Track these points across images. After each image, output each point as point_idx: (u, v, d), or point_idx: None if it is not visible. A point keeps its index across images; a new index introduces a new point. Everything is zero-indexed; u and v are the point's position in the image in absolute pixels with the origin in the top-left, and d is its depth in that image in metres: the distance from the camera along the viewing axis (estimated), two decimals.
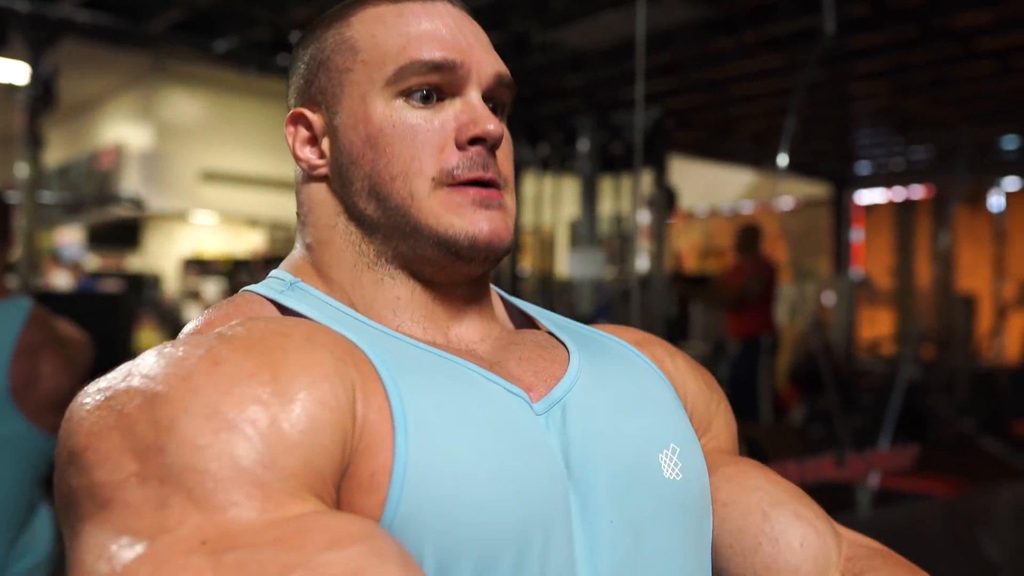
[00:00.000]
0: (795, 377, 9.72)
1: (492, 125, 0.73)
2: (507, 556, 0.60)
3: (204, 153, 9.80)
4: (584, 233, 4.95)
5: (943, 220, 9.67)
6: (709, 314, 8.91)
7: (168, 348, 0.61)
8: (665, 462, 0.72)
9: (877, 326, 10.84)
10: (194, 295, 13.82)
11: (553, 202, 5.70)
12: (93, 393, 0.60)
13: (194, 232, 13.61)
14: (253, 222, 13.45)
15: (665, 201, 5.14)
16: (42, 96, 3.39)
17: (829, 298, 9.89)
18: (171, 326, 12.54)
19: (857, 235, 10.70)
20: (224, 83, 9.20)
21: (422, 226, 0.72)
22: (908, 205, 10.67)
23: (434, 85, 0.74)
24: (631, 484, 0.70)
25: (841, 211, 9.97)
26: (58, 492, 0.57)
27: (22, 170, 3.56)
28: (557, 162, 5.38)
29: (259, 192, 10.36)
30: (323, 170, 0.77)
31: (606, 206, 5.61)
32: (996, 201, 9.92)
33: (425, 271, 0.75)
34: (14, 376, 1.86)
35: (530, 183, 5.73)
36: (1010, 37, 4.77)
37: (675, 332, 6.99)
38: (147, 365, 0.59)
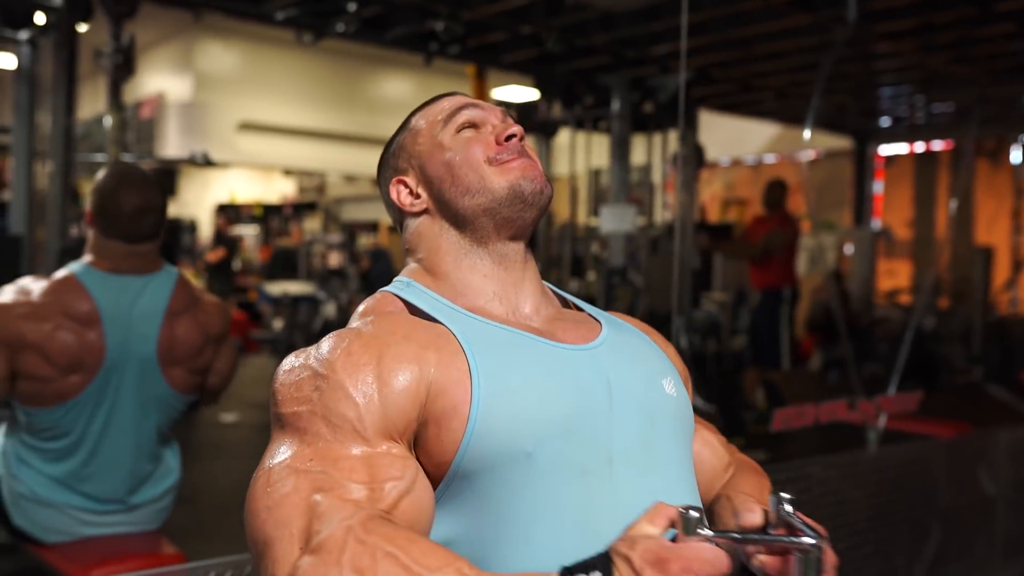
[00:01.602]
0: (812, 326, 9.98)
1: (517, 127, 1.15)
2: (555, 432, 0.98)
3: (241, 104, 10.04)
4: (615, 190, 5.20)
5: (959, 182, 9.82)
6: (731, 265, 9.15)
7: (336, 335, 1.03)
8: (666, 384, 1.12)
9: (896, 277, 11.05)
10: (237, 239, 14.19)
11: (584, 157, 5.94)
12: (292, 361, 1.03)
13: (227, 179, 13.92)
14: (287, 171, 13.72)
15: (693, 158, 5.37)
16: (122, 64, 3.67)
17: (849, 249, 10.10)
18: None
19: (877, 187, 10.86)
20: (261, 35, 9.41)
21: (495, 188, 1.11)
22: (928, 157, 10.82)
23: (471, 121, 1.15)
24: (649, 392, 1.08)
25: (863, 164, 10.12)
26: (270, 411, 1.02)
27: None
28: (590, 121, 5.62)
29: (293, 142, 10.61)
30: (424, 205, 1.17)
31: (634, 157, 5.83)
32: (1016, 156, 10.06)
33: (502, 233, 1.13)
34: (161, 343, 2.17)
35: (564, 138, 5.98)
36: None
37: (699, 282, 7.26)
38: (321, 348, 1.02)
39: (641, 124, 5.46)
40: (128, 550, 2.15)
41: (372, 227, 14.51)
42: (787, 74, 6.93)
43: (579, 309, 1.23)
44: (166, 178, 12.46)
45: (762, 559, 0.96)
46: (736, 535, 0.94)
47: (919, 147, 10.78)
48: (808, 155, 10.24)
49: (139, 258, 2.19)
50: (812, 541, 0.92)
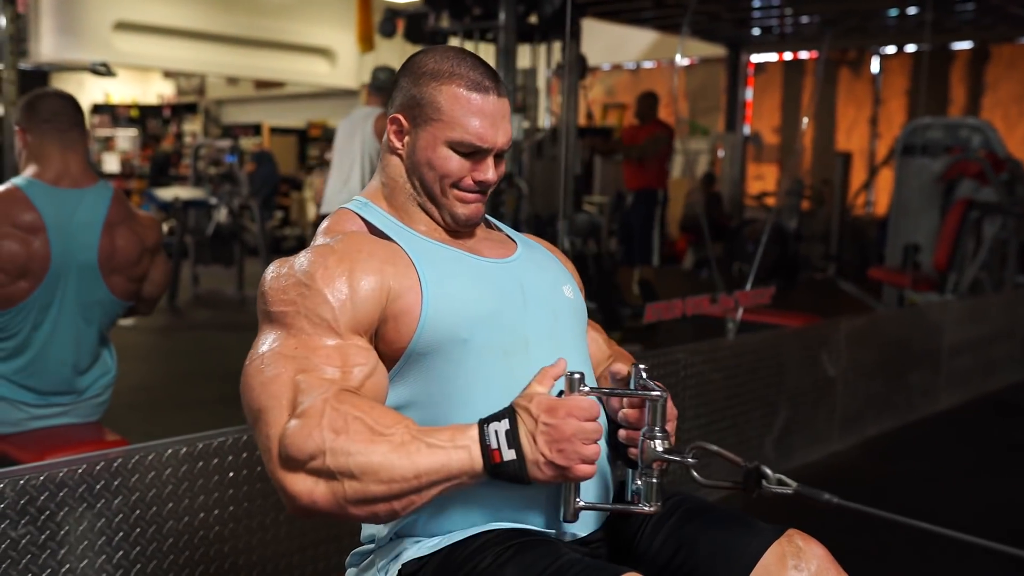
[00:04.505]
0: (686, 227, 10.53)
1: (493, 177, 1.40)
2: (483, 322, 1.31)
3: (117, 2, 9.75)
4: None
5: (816, 92, 10.33)
6: (610, 169, 9.53)
7: (314, 251, 1.31)
8: (566, 290, 1.46)
9: (764, 181, 11.67)
10: (107, 141, 13.80)
11: None
12: (278, 269, 1.30)
13: (102, 79, 13.46)
14: (166, 72, 13.35)
15: (577, 68, 5.65)
16: None
17: (722, 154, 10.58)
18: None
19: (748, 94, 11.35)
20: None
21: (444, 205, 1.41)
22: (795, 65, 11.34)
23: (471, 149, 1.37)
24: (552, 294, 1.43)
25: (736, 71, 10.53)
26: (258, 308, 1.31)
27: None
28: (478, 31, 5.82)
29: (172, 42, 10.37)
30: (400, 152, 1.42)
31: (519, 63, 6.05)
32: (875, 66, 10.65)
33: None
34: (102, 251, 2.37)
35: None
36: None
37: (581, 187, 7.61)
38: (301, 260, 1.30)
39: (527, 35, 5.70)
40: (75, 438, 2.39)
41: (255, 129, 14.34)
42: None
43: (500, 230, 1.55)
44: (36, 80, 12.00)
45: (626, 412, 1.34)
46: (604, 390, 1.37)
47: (787, 56, 11.29)
48: (685, 62, 10.58)
49: (75, 165, 2.36)
50: (659, 392, 1.28)
